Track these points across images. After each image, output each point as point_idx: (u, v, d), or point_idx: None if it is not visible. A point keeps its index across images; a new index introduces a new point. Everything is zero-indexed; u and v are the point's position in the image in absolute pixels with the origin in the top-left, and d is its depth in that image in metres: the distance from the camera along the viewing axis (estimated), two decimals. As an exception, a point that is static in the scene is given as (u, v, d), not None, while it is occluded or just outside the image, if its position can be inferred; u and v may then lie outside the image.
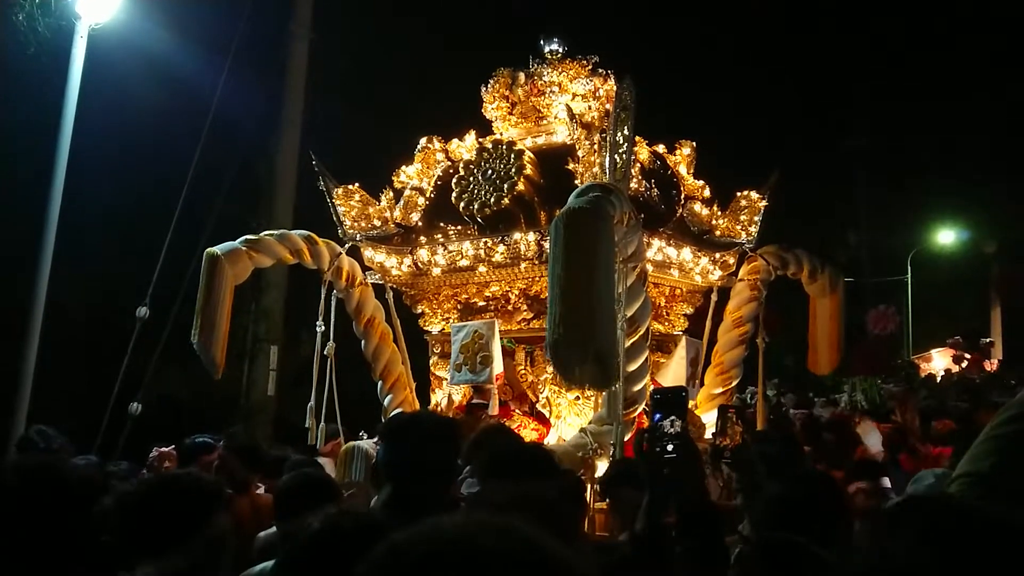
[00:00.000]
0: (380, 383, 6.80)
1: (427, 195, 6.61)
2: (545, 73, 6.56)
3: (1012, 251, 21.95)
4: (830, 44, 23.87)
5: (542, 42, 6.77)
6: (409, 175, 6.75)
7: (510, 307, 6.31)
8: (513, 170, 5.98)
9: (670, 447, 2.56)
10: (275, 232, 6.75)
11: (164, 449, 5.37)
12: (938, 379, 16.58)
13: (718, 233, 6.66)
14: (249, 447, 4.79)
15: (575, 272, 4.27)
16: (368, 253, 6.75)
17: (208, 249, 6.22)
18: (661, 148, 6.74)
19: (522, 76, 6.65)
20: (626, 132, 5.31)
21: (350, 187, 6.78)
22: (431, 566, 0.88)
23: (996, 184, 21.91)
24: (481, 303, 6.46)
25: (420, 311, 6.79)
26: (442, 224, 6.43)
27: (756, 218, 6.80)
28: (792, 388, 12.53)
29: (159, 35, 10.59)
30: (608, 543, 3.86)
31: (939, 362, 19.25)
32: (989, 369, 16.94)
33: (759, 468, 2.60)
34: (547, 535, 0.94)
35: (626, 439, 5.18)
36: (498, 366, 5.93)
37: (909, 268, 23.53)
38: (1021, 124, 21.70)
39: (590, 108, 6.38)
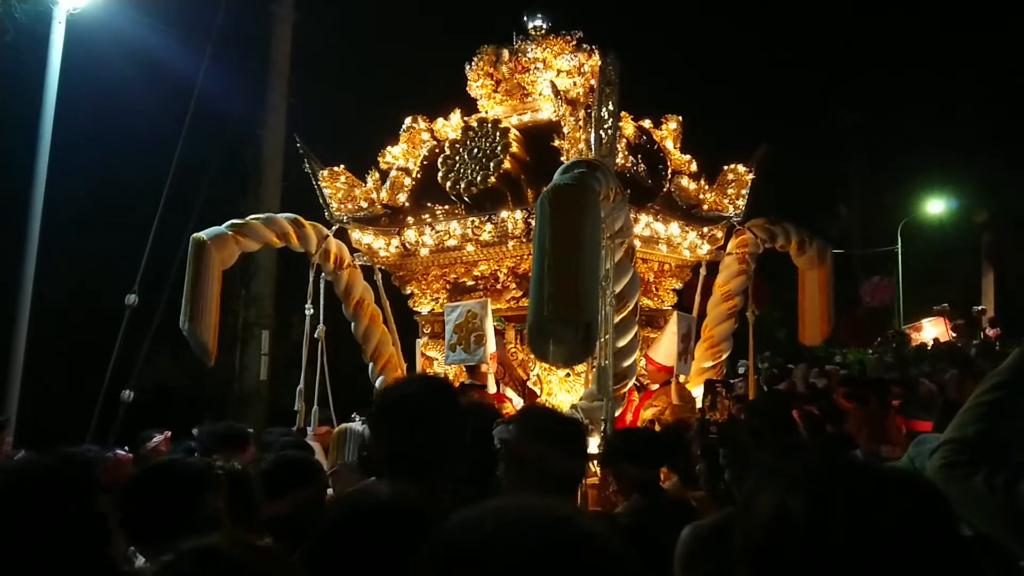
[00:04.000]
0: (371, 364, 6.80)
1: (413, 175, 6.58)
2: (529, 50, 6.52)
3: (1003, 219, 22.01)
4: (818, 16, 23.77)
5: (526, 18, 6.72)
6: (395, 155, 6.71)
7: (499, 286, 6.31)
8: (499, 148, 5.95)
9: None
10: (261, 216, 6.73)
11: (158, 437, 5.36)
12: (929, 348, 16.69)
13: (706, 207, 6.66)
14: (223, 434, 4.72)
15: (561, 248, 4.26)
16: (356, 235, 6.73)
17: (194, 235, 6.19)
18: (647, 123, 6.71)
19: (506, 53, 6.60)
20: (611, 107, 5.29)
21: (336, 169, 6.74)
22: (488, 561, 0.88)
23: (986, 153, 21.93)
24: (470, 282, 6.45)
25: (409, 292, 6.78)
26: (429, 204, 6.40)
27: (744, 191, 6.79)
28: (806, 361, 12.48)
29: (139, 19, 10.47)
30: (606, 513, 3.89)
31: (930, 332, 19.35)
32: (987, 336, 17.03)
33: (747, 442, 2.61)
34: (597, 522, 0.94)
35: (616, 414, 5.21)
36: (491, 345, 5.93)
37: (899, 238, 23.59)
38: (1010, 92, 21.71)
39: (575, 84, 6.35)
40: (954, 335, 17.10)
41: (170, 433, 5.52)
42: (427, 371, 6.65)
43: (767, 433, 2.94)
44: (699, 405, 5.72)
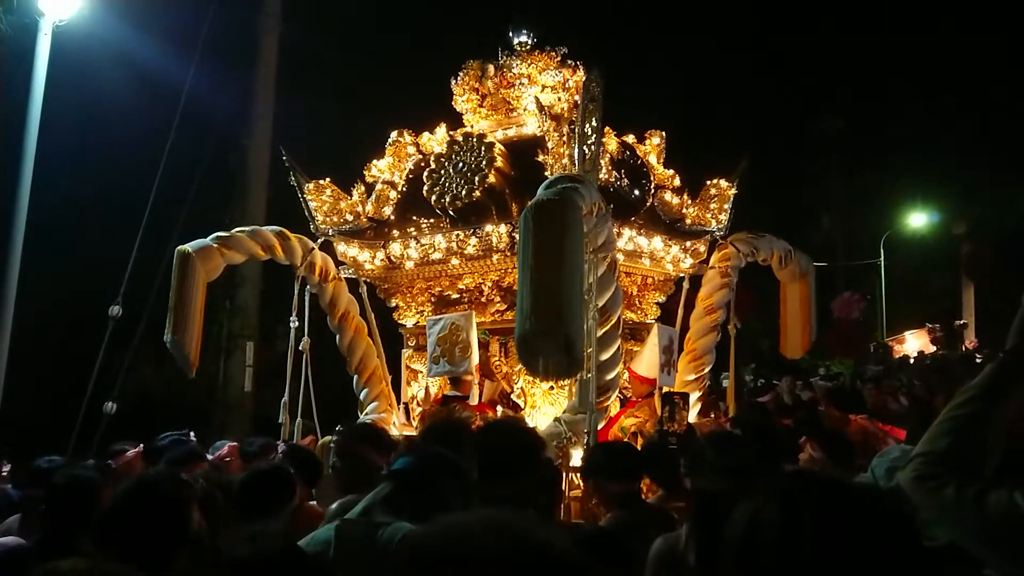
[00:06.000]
0: (356, 377, 6.81)
1: (399, 189, 6.62)
2: (514, 65, 6.58)
3: (982, 231, 22.26)
4: (799, 28, 24.02)
5: (511, 34, 6.79)
6: (380, 169, 6.75)
7: (483, 299, 6.35)
8: (484, 162, 6.00)
9: None
10: (247, 228, 6.74)
11: (131, 451, 5.35)
12: (912, 360, 16.85)
13: (689, 221, 6.72)
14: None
15: (544, 263, 4.30)
16: (341, 247, 6.75)
17: (179, 247, 6.20)
18: (631, 138, 6.77)
19: (491, 68, 6.66)
20: (594, 123, 5.35)
21: (321, 182, 6.77)
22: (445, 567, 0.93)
23: (967, 165, 22.18)
24: (455, 295, 6.48)
25: (394, 304, 6.81)
26: (414, 217, 6.44)
27: (726, 206, 6.87)
28: (791, 373, 12.51)
29: (125, 30, 10.47)
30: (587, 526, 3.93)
31: (913, 344, 19.53)
32: (966, 348, 17.22)
33: (707, 451, 2.66)
34: (557, 534, 0.99)
35: (599, 427, 5.25)
36: (475, 357, 5.96)
37: (882, 251, 23.79)
38: (990, 105, 21.99)
39: (559, 99, 6.41)
40: (935, 347, 17.27)
41: (143, 447, 5.52)
42: (412, 383, 6.67)
43: (742, 443, 2.98)
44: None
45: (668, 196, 6.61)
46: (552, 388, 5.93)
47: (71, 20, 8.56)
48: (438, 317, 6.19)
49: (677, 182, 6.77)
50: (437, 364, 6.04)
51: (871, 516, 1.11)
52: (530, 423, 5.89)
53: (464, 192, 6.00)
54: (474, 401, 5.97)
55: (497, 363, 6.27)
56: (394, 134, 6.81)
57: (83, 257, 11.92)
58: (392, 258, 6.50)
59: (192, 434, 5.61)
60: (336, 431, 4.28)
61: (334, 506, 3.17)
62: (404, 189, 6.59)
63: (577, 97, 6.16)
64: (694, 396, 6.28)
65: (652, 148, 6.82)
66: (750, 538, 1.13)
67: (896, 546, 1.10)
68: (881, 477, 2.81)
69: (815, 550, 1.08)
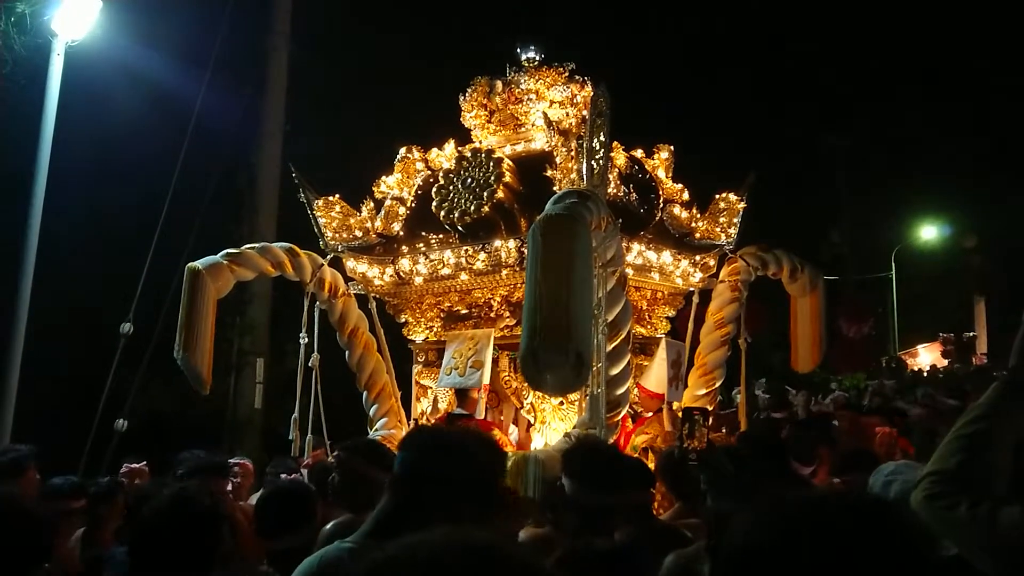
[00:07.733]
0: (365, 393, 6.80)
1: (407, 205, 6.64)
2: (522, 81, 6.61)
3: (992, 245, 22.17)
4: (810, 42, 24.07)
5: (519, 50, 6.82)
6: (389, 185, 6.77)
7: (493, 314, 6.34)
8: (492, 178, 6.01)
9: None
10: (256, 245, 6.75)
11: (135, 465, 5.37)
12: (925, 374, 16.76)
13: (698, 236, 6.71)
14: None
15: (553, 278, 4.29)
16: (350, 264, 6.77)
17: (189, 264, 6.22)
18: (639, 152, 6.78)
19: (500, 84, 6.69)
20: (602, 138, 5.35)
21: (331, 198, 6.80)
22: None
23: (976, 178, 22.13)
24: (464, 311, 6.48)
25: (403, 320, 6.81)
26: (423, 233, 6.45)
27: (735, 220, 6.85)
28: (804, 386, 12.44)
29: (137, 50, 10.59)
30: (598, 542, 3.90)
31: (925, 357, 19.45)
32: (976, 363, 17.14)
33: (727, 468, 2.64)
34: (528, 552, 0.98)
35: (610, 443, 5.22)
36: (486, 376, 5.95)
37: (893, 264, 23.71)
38: (999, 120, 21.96)
39: (568, 115, 6.43)
40: (947, 360, 17.18)
41: (145, 463, 5.53)
42: (422, 399, 6.67)
43: (752, 459, 2.96)
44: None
45: (677, 210, 6.60)
46: (562, 403, 5.91)
47: (83, 41, 8.66)
48: (460, 332, 6.20)
49: (686, 196, 6.77)
50: (448, 376, 6.06)
51: (869, 531, 1.09)
52: (539, 439, 5.88)
53: (473, 207, 6.01)
54: (480, 415, 5.96)
55: (506, 378, 6.26)
56: (403, 150, 6.84)
57: (94, 275, 11.99)
58: (401, 274, 6.51)
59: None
60: (338, 448, 4.27)
61: (328, 527, 3.15)
62: (413, 205, 6.61)
63: (585, 112, 6.18)
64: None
65: (660, 162, 6.82)
66: (746, 556, 1.12)
67: (897, 560, 1.08)
68: (878, 492, 2.78)
69: (813, 567, 1.06)
